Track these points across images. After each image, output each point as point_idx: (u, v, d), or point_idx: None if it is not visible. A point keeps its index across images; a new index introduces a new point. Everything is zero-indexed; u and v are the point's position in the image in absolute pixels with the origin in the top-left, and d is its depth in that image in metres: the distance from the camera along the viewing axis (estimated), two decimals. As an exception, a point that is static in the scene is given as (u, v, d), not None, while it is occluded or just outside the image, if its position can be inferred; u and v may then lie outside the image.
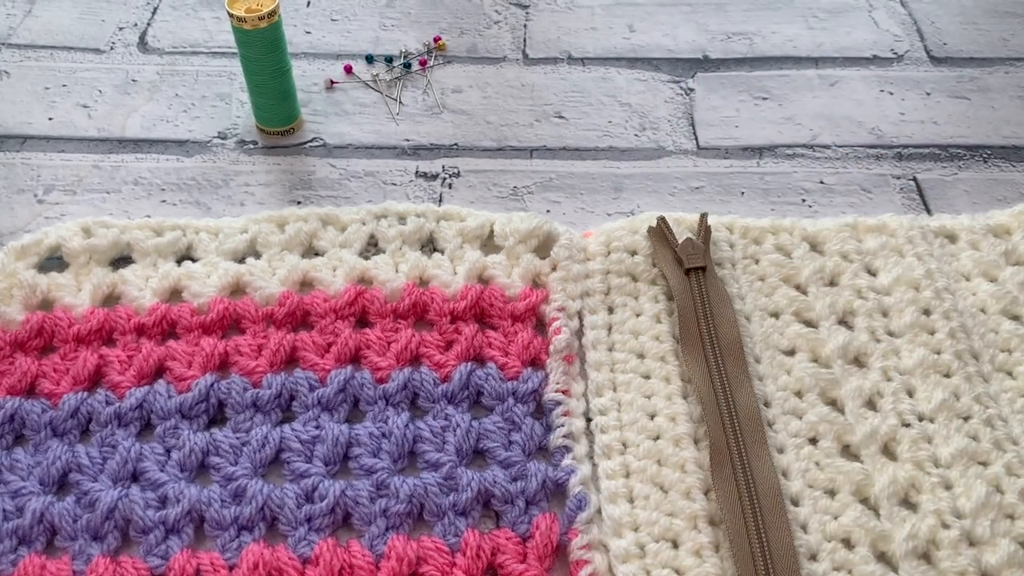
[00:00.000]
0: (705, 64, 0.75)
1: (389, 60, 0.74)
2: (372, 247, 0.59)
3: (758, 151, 0.67)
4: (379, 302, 0.55)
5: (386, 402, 0.51)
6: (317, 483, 0.47)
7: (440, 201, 0.64)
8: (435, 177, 0.65)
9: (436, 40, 0.76)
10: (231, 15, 0.61)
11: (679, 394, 0.51)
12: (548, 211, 0.63)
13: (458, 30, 0.78)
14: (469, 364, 0.52)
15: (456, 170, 0.66)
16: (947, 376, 0.51)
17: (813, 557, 0.44)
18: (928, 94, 0.72)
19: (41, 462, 0.48)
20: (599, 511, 0.46)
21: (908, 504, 0.47)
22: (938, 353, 0.52)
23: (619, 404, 0.50)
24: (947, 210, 0.62)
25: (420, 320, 0.55)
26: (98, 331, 0.53)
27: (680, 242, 0.56)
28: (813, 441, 0.49)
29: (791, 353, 0.53)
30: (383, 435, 0.49)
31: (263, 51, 0.62)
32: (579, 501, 0.46)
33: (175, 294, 0.56)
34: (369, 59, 0.75)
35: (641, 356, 0.53)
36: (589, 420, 0.50)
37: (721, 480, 0.46)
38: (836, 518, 0.46)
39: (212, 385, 0.51)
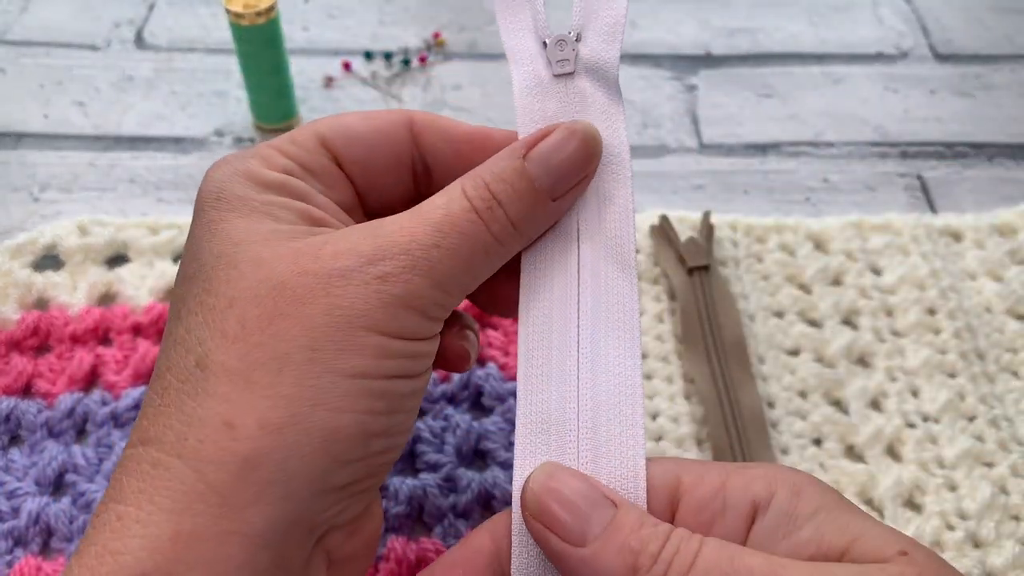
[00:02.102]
0: (708, 61, 0.74)
1: (388, 57, 0.73)
2: (371, 245, 0.59)
3: (762, 149, 0.67)
4: (378, 301, 0.54)
5: (385, 402, 0.50)
6: (315, 484, 0.46)
7: (440, 199, 0.63)
8: (435, 175, 0.65)
9: (435, 36, 0.75)
10: (228, 11, 0.60)
11: (682, 395, 0.50)
12: (549, 209, 0.62)
13: (458, 26, 0.77)
14: (469, 364, 0.51)
15: (456, 168, 0.65)
16: (952, 376, 0.51)
17: (817, 560, 0.44)
18: (933, 92, 0.71)
19: (37, 462, 0.47)
20: (601, 513, 0.46)
21: (912, 505, 0.46)
22: (943, 353, 0.52)
23: (621, 404, 0.50)
24: (952, 208, 0.62)
25: (420, 319, 0.54)
26: (94, 330, 0.53)
27: (683, 241, 0.56)
28: (817, 442, 0.48)
29: (795, 353, 0.52)
30: (382, 436, 0.48)
31: (260, 48, 0.62)
32: (580, 503, 0.45)
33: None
34: (368, 56, 0.74)
35: (643, 356, 0.52)
36: (590, 421, 0.50)
37: (724, 482, 0.45)
38: (841, 520, 0.45)
39: (209, 385, 0.50)
